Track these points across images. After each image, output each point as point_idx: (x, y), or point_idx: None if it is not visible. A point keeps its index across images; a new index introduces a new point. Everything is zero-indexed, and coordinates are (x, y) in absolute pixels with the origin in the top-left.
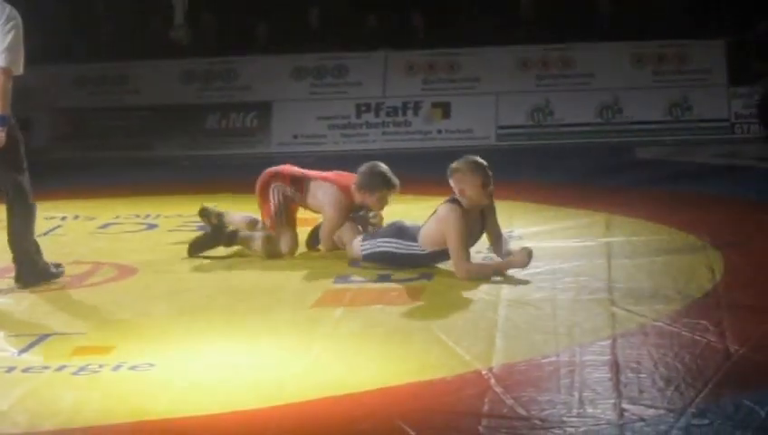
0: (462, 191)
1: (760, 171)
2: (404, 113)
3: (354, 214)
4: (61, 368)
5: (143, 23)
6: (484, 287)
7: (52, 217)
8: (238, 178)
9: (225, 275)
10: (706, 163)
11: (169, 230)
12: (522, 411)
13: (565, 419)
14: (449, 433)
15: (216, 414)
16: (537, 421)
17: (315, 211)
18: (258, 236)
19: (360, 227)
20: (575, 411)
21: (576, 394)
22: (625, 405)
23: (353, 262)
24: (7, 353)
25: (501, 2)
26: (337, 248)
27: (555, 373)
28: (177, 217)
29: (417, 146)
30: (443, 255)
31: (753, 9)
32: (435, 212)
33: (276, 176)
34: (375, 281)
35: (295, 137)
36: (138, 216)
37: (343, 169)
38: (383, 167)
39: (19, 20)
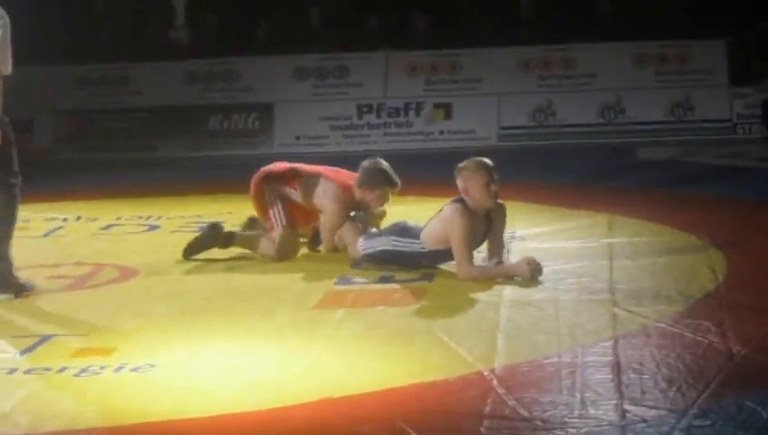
0: (466, 190)
1: (762, 171)
2: (406, 114)
3: (356, 214)
4: (62, 369)
5: (144, 23)
6: (486, 288)
7: (53, 219)
8: (240, 180)
9: (227, 276)
10: (708, 163)
11: (171, 232)
12: (524, 412)
13: (567, 420)
14: (451, 434)
15: (218, 416)
16: (539, 422)
17: (314, 208)
18: (258, 237)
19: (360, 227)
20: (577, 412)
21: (578, 395)
22: (627, 406)
23: (355, 263)
24: (9, 355)
25: (502, 2)
26: (337, 249)
27: (557, 374)
28: (179, 219)
29: (419, 147)
30: (444, 254)
31: (754, 9)
32: (440, 211)
33: (270, 176)
34: (376, 282)
35: (297, 138)
36: (140, 217)
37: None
38: (385, 164)
39: (7, 19)
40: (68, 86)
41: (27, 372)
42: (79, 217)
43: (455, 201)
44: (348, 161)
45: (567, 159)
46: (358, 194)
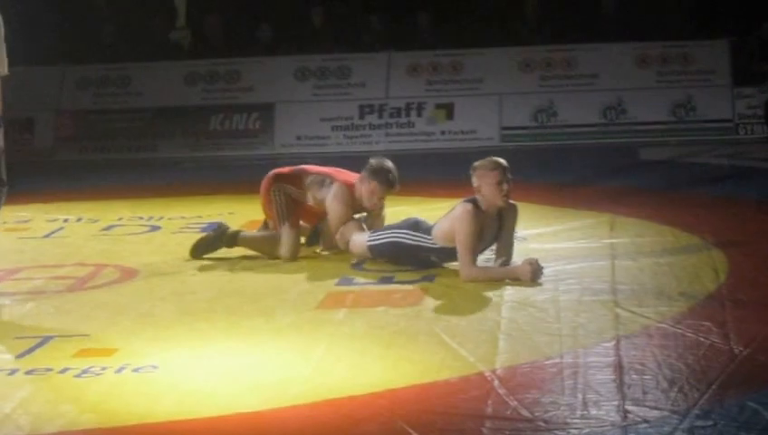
0: (479, 189)
1: (764, 172)
2: (407, 114)
3: (360, 217)
4: (64, 370)
5: (145, 24)
6: (488, 289)
7: (55, 219)
8: (241, 180)
9: (229, 276)
10: (710, 164)
11: (173, 232)
12: (525, 413)
13: (569, 420)
14: None
15: (220, 416)
16: (541, 423)
17: (319, 207)
18: (262, 237)
19: (364, 226)
20: (579, 413)
21: (580, 396)
22: (629, 407)
23: (356, 264)
24: (10, 356)
25: (504, 3)
26: (338, 248)
27: (559, 375)
28: (181, 219)
29: (421, 147)
30: (454, 252)
31: (757, 10)
32: (452, 209)
33: (279, 177)
34: (378, 283)
35: (298, 138)
36: (141, 218)
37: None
38: (390, 165)
39: (0, 21)
40: (69, 86)
41: (28, 372)
42: (80, 218)
43: (466, 201)
44: (349, 162)
45: (569, 159)
46: (357, 187)
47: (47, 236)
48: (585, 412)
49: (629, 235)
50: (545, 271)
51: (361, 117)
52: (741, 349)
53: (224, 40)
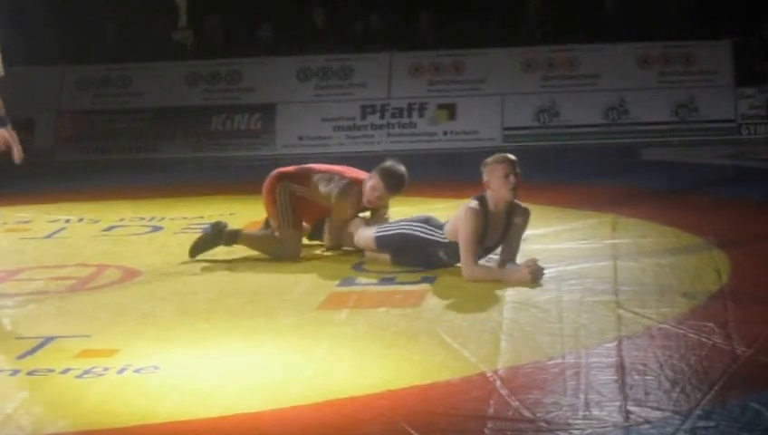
0: (488, 184)
1: (767, 172)
2: (409, 115)
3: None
4: (65, 371)
5: (147, 24)
6: (489, 290)
7: (56, 220)
8: (243, 181)
9: (230, 277)
10: (713, 164)
11: (174, 233)
12: (527, 414)
13: (571, 421)
14: None
15: (221, 417)
16: (543, 424)
17: (325, 201)
18: (263, 236)
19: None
20: (581, 414)
21: (582, 396)
22: (631, 407)
23: (357, 265)
24: (12, 356)
25: (506, 3)
26: (341, 246)
27: (561, 375)
28: (182, 220)
29: (423, 147)
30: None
31: (760, 10)
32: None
33: (284, 175)
34: (379, 284)
35: (300, 138)
36: (143, 218)
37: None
38: (402, 170)
39: None
40: (70, 87)
41: (30, 373)
42: (81, 219)
43: (475, 198)
44: (351, 162)
45: (571, 159)
46: (364, 184)
47: (48, 236)
48: (587, 413)
49: (632, 235)
50: (547, 271)
51: (363, 117)
52: (743, 349)
53: (225, 40)
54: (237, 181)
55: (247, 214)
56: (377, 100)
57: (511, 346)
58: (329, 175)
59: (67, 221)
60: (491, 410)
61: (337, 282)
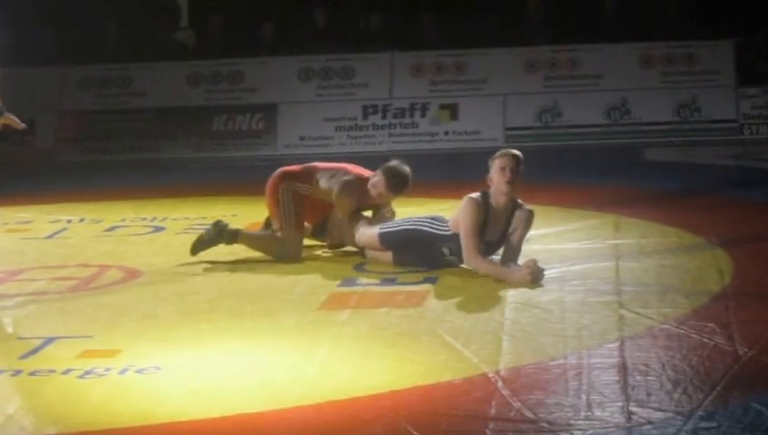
0: (490, 179)
1: None
2: (411, 115)
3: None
4: (67, 371)
5: (147, 24)
6: (491, 290)
7: (58, 220)
8: (245, 181)
9: (231, 277)
10: (715, 164)
11: (176, 233)
12: (529, 414)
13: (573, 422)
14: None
15: (223, 417)
16: (545, 424)
17: (327, 196)
18: (263, 236)
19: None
20: (583, 414)
21: (584, 397)
22: (633, 408)
23: (358, 265)
24: (13, 357)
25: (508, 3)
26: (343, 245)
27: (563, 376)
28: (184, 220)
29: (425, 147)
30: None
31: (762, 10)
32: None
33: (287, 175)
34: (381, 284)
35: (302, 139)
36: (144, 218)
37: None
38: (407, 171)
39: None
40: (70, 87)
41: (31, 374)
42: (83, 219)
43: (476, 192)
44: (353, 163)
45: (573, 159)
46: (369, 181)
47: (50, 236)
48: (589, 413)
49: (634, 236)
50: (549, 272)
51: (365, 117)
52: (745, 350)
53: (226, 40)
54: (239, 182)
55: (249, 215)
56: (378, 100)
57: (513, 347)
58: (332, 171)
59: (68, 221)
60: (493, 411)
61: (338, 282)
